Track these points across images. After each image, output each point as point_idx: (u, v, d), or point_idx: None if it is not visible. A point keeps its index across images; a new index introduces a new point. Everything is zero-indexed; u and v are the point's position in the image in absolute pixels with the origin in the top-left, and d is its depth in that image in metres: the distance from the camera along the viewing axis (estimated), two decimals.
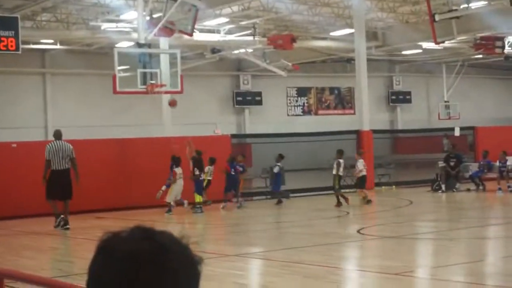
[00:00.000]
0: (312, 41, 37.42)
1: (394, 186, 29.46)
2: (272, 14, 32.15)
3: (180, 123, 34.06)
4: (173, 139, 23.15)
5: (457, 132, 32.13)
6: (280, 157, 24.57)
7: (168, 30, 23.63)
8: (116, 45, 30.49)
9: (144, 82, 21.64)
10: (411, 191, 27.71)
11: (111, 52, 23.98)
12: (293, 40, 31.48)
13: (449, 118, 46.80)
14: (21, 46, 21.28)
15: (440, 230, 17.26)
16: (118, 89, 21.49)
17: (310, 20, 34.62)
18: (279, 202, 24.18)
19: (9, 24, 21.05)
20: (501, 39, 33.78)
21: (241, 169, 23.83)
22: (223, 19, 31.82)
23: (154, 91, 21.92)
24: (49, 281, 5.97)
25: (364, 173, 23.56)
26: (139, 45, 22.30)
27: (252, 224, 20.48)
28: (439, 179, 27.28)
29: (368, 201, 22.95)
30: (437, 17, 26.32)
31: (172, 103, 22.16)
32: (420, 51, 40.41)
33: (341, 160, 22.97)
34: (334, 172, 22.98)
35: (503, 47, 33.94)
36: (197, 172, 22.54)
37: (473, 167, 27.81)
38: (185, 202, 23.07)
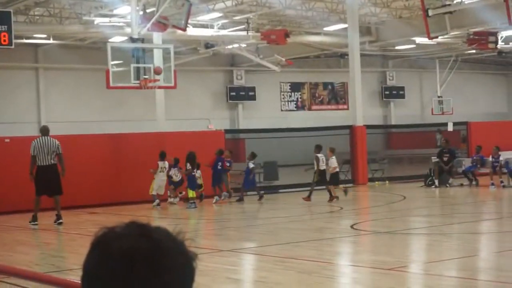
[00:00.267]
0: (305, 36, 37.40)
1: (387, 181, 29.49)
2: (266, 9, 32.13)
3: (173, 118, 34.08)
4: (151, 167, 23.00)
5: (450, 127, 32.19)
6: (252, 155, 24.40)
7: (162, 25, 23.60)
8: (110, 40, 30.40)
9: (137, 77, 21.61)
10: (405, 186, 27.76)
11: (104, 47, 23.97)
12: (287, 35, 31.47)
13: (442, 113, 46.88)
14: (14, 40, 21.22)
15: (433, 225, 17.30)
16: (111, 84, 21.45)
17: (304, 15, 34.63)
18: (240, 200, 23.86)
19: (2, 18, 20.97)
20: (494, 34, 33.84)
21: (228, 164, 23.77)
22: (217, 14, 31.79)
23: (148, 86, 21.88)
24: (42, 276, 5.96)
25: (337, 169, 23.47)
26: (132, 40, 22.26)
27: (246, 219, 20.49)
28: (432, 174, 27.32)
29: (336, 197, 22.82)
30: (430, 12, 26.35)
31: (157, 71, 21.71)
32: (414, 46, 40.45)
33: (319, 155, 22.92)
34: (315, 167, 22.98)
35: (496, 42, 34.00)
36: (189, 167, 22.52)
37: (466, 162, 27.86)
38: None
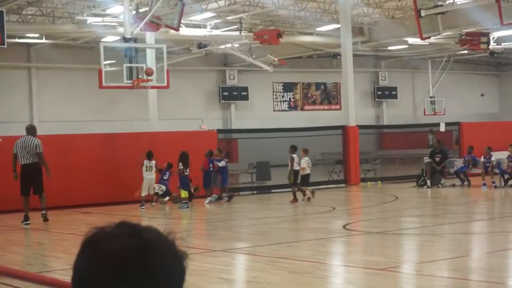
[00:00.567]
0: (298, 36, 37.44)
1: (379, 182, 29.53)
2: (259, 9, 32.16)
3: (166, 118, 34.07)
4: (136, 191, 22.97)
5: (442, 128, 32.25)
6: (226, 155, 24.36)
7: (154, 24, 23.59)
8: (102, 40, 30.39)
9: (130, 77, 21.58)
10: (397, 187, 27.80)
11: (97, 47, 23.95)
12: (279, 35, 31.50)
13: (435, 114, 47.01)
14: (6, 40, 21.17)
15: (425, 226, 17.33)
16: (104, 83, 21.42)
17: (296, 15, 34.66)
18: (219, 198, 23.91)
19: None
20: (486, 35, 33.94)
21: (218, 164, 23.67)
22: (209, 14, 31.78)
23: (140, 86, 21.86)
24: (35, 276, 5.96)
25: (308, 171, 23.32)
26: (125, 39, 22.23)
27: (238, 219, 20.50)
28: (424, 174, 27.37)
29: (308, 199, 22.80)
30: (422, 13, 26.40)
31: (148, 72, 21.64)
32: (406, 46, 40.53)
33: (294, 156, 22.89)
34: (289, 167, 22.90)
35: (488, 43, 34.10)
36: (181, 167, 22.49)
37: (458, 163, 27.92)
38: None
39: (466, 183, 26.59)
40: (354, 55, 31.23)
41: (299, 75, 47.20)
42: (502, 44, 38.50)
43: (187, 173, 22.62)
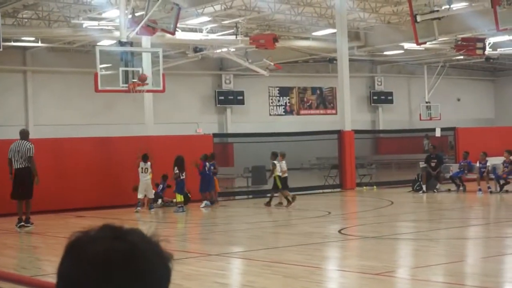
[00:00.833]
0: (294, 41, 37.47)
1: (375, 187, 29.53)
2: (255, 13, 32.16)
3: (162, 122, 34.04)
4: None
5: (438, 133, 32.26)
6: (211, 157, 24.34)
7: (150, 28, 23.60)
8: (98, 43, 30.41)
9: (126, 81, 21.57)
10: (392, 192, 27.80)
11: (93, 50, 23.93)
12: (275, 39, 31.52)
13: (430, 119, 47.07)
14: (2, 43, 21.16)
15: (420, 231, 17.32)
16: (99, 87, 21.41)
17: (293, 20, 34.68)
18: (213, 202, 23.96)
19: None
20: (482, 40, 34.00)
21: (212, 168, 23.67)
22: (206, 18, 31.79)
23: (136, 90, 21.84)
24: (29, 280, 5.93)
25: (286, 174, 23.36)
26: (121, 43, 22.24)
27: (234, 224, 20.47)
28: (420, 179, 27.36)
29: (280, 203, 22.88)
30: (418, 18, 26.44)
31: (142, 79, 21.62)
32: (402, 51, 40.58)
33: (275, 162, 22.96)
34: (273, 174, 22.96)
35: (484, 49, 34.17)
36: (176, 171, 22.44)
37: (454, 168, 27.92)
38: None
39: (461, 188, 26.59)
40: (350, 60, 31.24)
41: (295, 80, 47.24)
42: (498, 49, 38.62)
43: (183, 177, 22.58)
